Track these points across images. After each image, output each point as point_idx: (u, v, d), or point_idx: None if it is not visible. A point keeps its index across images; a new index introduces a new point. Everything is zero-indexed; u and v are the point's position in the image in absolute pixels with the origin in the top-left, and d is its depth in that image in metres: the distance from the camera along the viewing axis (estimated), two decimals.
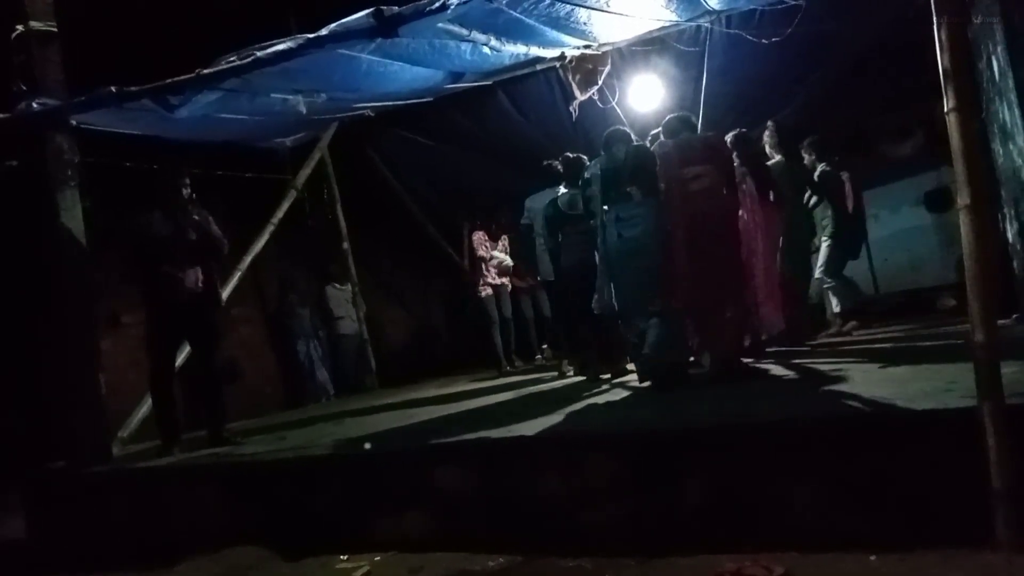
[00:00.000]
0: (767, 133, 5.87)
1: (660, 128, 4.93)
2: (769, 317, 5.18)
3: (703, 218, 4.33)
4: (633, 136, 4.98)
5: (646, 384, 4.59)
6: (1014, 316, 5.00)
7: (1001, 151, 4.98)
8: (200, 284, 4.92)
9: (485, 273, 7.62)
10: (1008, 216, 5.09)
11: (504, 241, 7.83)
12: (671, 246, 4.35)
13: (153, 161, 5.53)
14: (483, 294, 7.57)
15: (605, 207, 4.66)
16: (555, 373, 6.31)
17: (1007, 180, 4.97)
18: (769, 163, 5.62)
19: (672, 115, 4.90)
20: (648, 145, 4.91)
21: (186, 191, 4.97)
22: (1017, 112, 4.46)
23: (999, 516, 2.47)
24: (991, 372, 2.53)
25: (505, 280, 7.79)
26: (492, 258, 7.67)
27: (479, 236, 7.66)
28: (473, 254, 7.68)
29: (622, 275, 4.56)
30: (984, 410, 2.50)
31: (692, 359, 4.67)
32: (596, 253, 4.88)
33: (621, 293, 4.60)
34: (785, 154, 5.76)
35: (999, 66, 4.68)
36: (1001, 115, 4.80)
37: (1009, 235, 5.13)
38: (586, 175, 4.71)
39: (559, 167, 5.96)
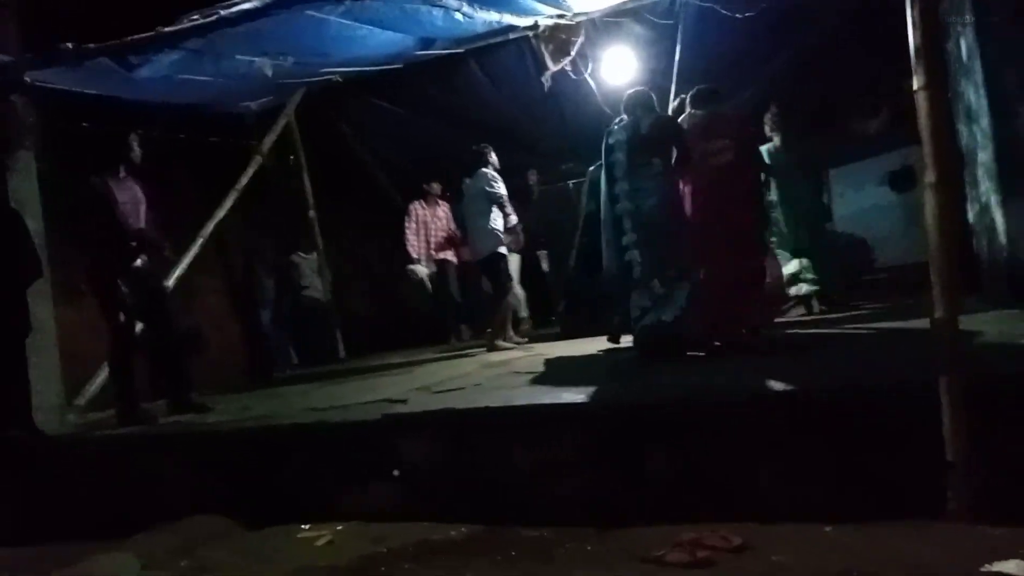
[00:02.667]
0: (768, 115, 5.92)
1: (687, 96, 4.86)
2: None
3: (725, 192, 4.35)
4: (655, 102, 4.84)
5: (634, 353, 4.61)
6: (974, 294, 5.10)
7: (966, 132, 5.05)
8: (147, 254, 4.83)
9: (421, 246, 7.45)
10: (970, 197, 5.18)
11: (444, 208, 7.65)
12: (690, 218, 4.38)
13: (115, 123, 5.36)
14: (416, 270, 7.40)
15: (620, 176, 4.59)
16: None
17: (970, 161, 5.05)
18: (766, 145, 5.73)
19: (702, 86, 4.84)
20: (672, 114, 4.87)
21: (136, 153, 4.81)
22: (983, 93, 4.51)
23: (951, 488, 2.53)
24: (951, 348, 2.57)
25: (448, 254, 7.62)
26: (428, 229, 7.48)
27: (414, 205, 7.51)
28: (406, 225, 7.51)
29: (635, 245, 4.48)
30: (942, 385, 2.55)
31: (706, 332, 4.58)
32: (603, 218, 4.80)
33: (636, 262, 4.51)
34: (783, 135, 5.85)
35: (967, 47, 4.72)
36: (967, 96, 4.86)
37: (970, 215, 5.22)
38: (610, 140, 4.58)
39: (488, 151, 6.25)
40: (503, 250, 6.37)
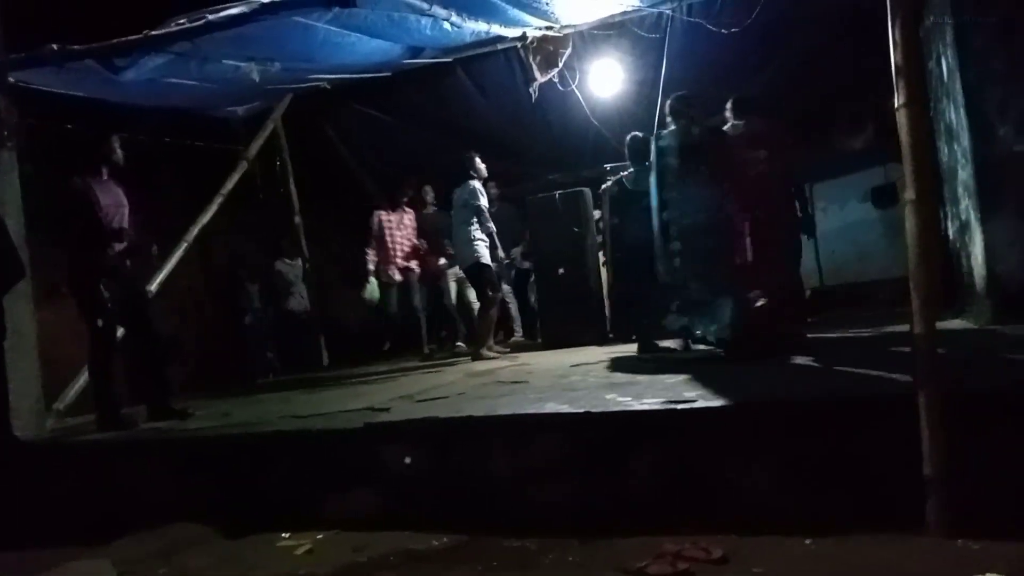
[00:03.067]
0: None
1: (728, 106, 4.89)
2: None
3: (765, 202, 4.39)
4: (699, 104, 4.86)
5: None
6: (953, 310, 5.17)
7: (946, 150, 5.12)
8: (128, 258, 4.79)
9: (386, 256, 7.30)
10: (950, 214, 5.25)
11: (411, 216, 7.53)
12: (737, 227, 4.40)
13: (100, 126, 5.33)
14: (383, 280, 7.27)
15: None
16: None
17: (950, 179, 5.12)
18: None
19: (739, 96, 4.87)
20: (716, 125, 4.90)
21: (118, 155, 4.78)
22: (963, 113, 4.58)
23: (930, 502, 2.55)
24: (929, 362, 2.60)
25: (412, 264, 7.49)
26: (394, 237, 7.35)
27: (378, 213, 7.34)
28: (368, 235, 7.36)
29: (683, 253, 4.50)
30: (921, 398, 2.58)
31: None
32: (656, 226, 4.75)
33: (682, 270, 4.54)
34: None
35: (948, 66, 4.79)
36: (948, 115, 4.93)
37: (950, 232, 5.29)
38: (660, 144, 4.56)
39: (473, 158, 6.33)
40: (485, 260, 6.38)
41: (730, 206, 4.46)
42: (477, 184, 6.38)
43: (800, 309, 4.81)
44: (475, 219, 6.34)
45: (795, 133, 5.13)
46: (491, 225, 6.40)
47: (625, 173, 5.69)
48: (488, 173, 6.57)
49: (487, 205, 6.40)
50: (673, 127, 4.64)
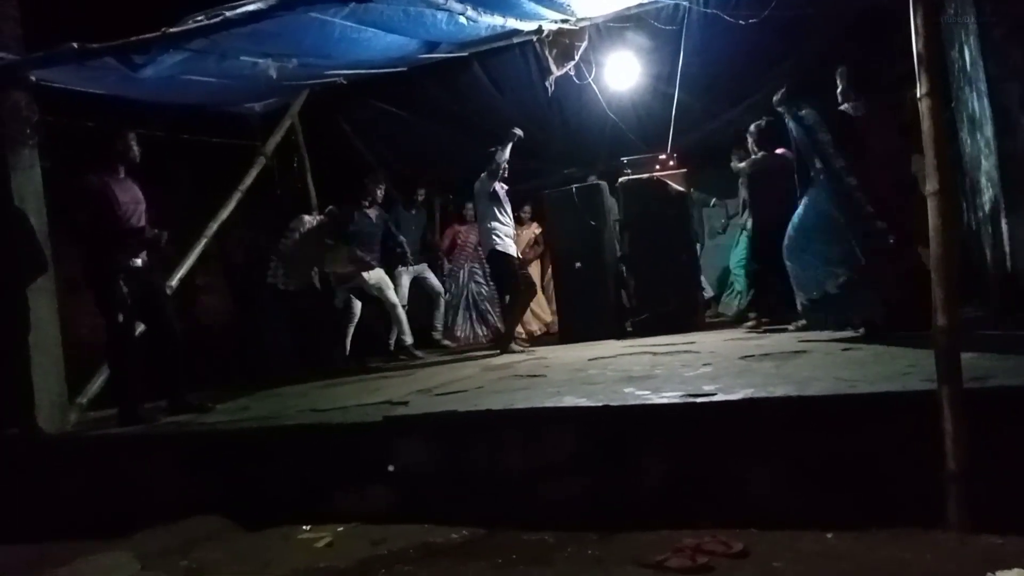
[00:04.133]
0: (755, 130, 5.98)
1: (842, 85, 4.88)
2: None
3: (892, 181, 4.43)
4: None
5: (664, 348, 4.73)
6: (974, 303, 5.10)
7: (968, 140, 5.04)
8: (146, 254, 4.85)
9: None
10: (973, 205, 5.18)
11: (375, 212, 7.26)
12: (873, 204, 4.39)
13: (117, 123, 5.37)
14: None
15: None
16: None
17: (972, 170, 5.05)
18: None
19: (848, 71, 4.84)
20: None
21: (134, 152, 4.82)
22: (986, 102, 4.51)
23: (952, 497, 2.53)
24: (951, 356, 2.57)
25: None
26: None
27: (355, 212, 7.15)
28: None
29: (828, 231, 4.50)
30: (942, 394, 2.55)
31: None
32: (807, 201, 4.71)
33: (821, 249, 4.54)
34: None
35: (971, 55, 4.72)
36: (970, 104, 4.86)
37: (973, 224, 5.22)
38: (807, 122, 4.58)
39: (496, 151, 6.42)
40: (501, 248, 6.43)
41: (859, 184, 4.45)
42: (485, 175, 6.49)
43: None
44: (492, 209, 6.40)
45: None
46: (502, 225, 6.49)
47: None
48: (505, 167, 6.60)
49: (501, 192, 6.46)
50: (805, 109, 4.63)
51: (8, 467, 4.69)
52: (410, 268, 7.69)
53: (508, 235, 6.52)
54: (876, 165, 4.52)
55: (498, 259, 6.51)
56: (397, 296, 7.23)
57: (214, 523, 3.76)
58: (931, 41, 2.70)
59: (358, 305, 7.18)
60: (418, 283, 7.81)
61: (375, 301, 7.05)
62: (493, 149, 6.51)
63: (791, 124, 4.71)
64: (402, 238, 7.29)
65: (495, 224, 6.47)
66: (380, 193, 7.33)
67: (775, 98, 4.85)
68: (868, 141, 4.56)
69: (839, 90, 4.89)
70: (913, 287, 4.14)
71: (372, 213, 7.16)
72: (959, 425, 2.53)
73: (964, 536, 2.48)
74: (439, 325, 8.09)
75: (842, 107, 4.80)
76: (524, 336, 7.57)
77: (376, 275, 6.98)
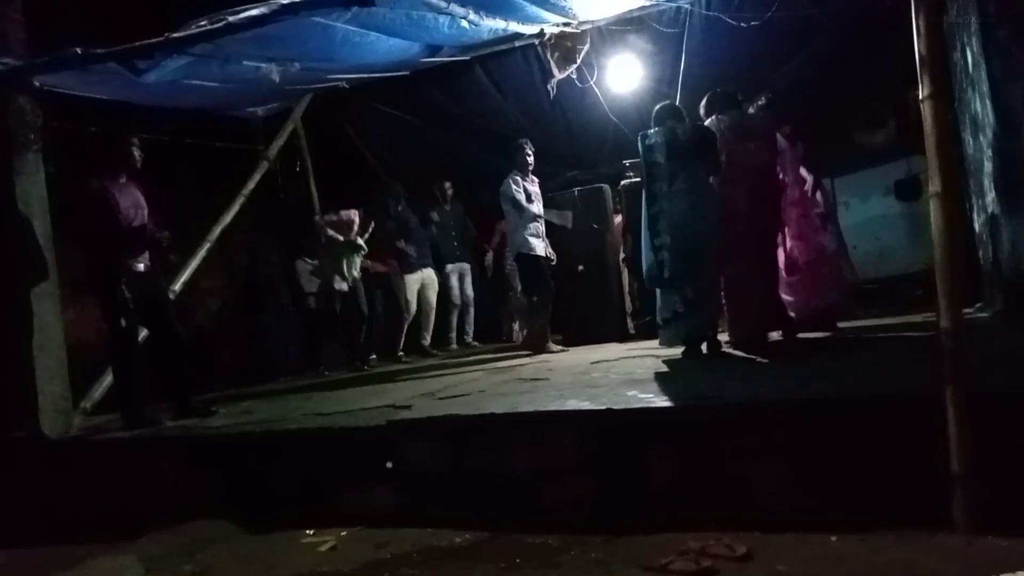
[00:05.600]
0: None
1: (703, 103, 4.94)
2: (800, 297, 5.03)
3: (753, 194, 4.45)
4: (684, 112, 4.97)
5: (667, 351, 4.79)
6: (977, 305, 5.09)
7: (971, 142, 5.04)
8: (149, 258, 4.86)
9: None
10: (975, 207, 5.17)
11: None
12: (723, 219, 4.47)
13: (121, 127, 5.39)
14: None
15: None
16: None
17: (975, 171, 5.04)
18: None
19: (716, 91, 4.90)
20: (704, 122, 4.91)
21: (137, 158, 4.84)
22: (989, 104, 4.51)
23: (957, 499, 2.53)
24: (955, 358, 2.57)
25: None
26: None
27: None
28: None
29: (674, 245, 4.57)
30: (948, 395, 2.55)
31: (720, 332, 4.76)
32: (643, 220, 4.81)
33: (672, 262, 4.59)
34: None
35: (973, 57, 4.72)
36: (973, 106, 4.86)
37: (976, 225, 5.21)
38: (647, 142, 4.68)
39: (516, 152, 6.40)
40: (527, 250, 6.39)
41: (720, 198, 4.53)
42: (510, 178, 6.42)
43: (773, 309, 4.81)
44: (513, 211, 6.37)
45: (802, 126, 5.14)
46: (532, 210, 6.42)
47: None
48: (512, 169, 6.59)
49: (520, 196, 6.40)
50: (659, 129, 4.74)
51: (13, 470, 4.71)
52: (456, 266, 7.85)
53: (533, 235, 6.41)
54: (736, 180, 4.55)
55: (523, 262, 6.50)
56: (453, 295, 7.73)
57: (219, 526, 3.77)
58: (933, 42, 2.69)
59: (366, 306, 7.25)
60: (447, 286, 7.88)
61: (391, 302, 7.09)
62: (521, 141, 6.49)
63: (639, 144, 4.77)
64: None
65: (515, 226, 6.41)
66: (449, 193, 7.80)
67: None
68: (729, 155, 4.59)
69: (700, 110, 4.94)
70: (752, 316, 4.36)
71: (436, 213, 7.58)
72: (964, 427, 2.52)
73: (970, 538, 2.47)
74: (469, 329, 8.16)
75: (706, 123, 4.80)
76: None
77: (423, 275, 7.36)
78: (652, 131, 4.74)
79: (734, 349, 4.63)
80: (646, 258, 4.74)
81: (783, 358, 4.12)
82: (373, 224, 7.33)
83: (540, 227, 6.45)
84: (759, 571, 2.50)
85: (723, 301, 4.72)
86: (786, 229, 4.89)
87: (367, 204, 7.45)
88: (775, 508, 2.86)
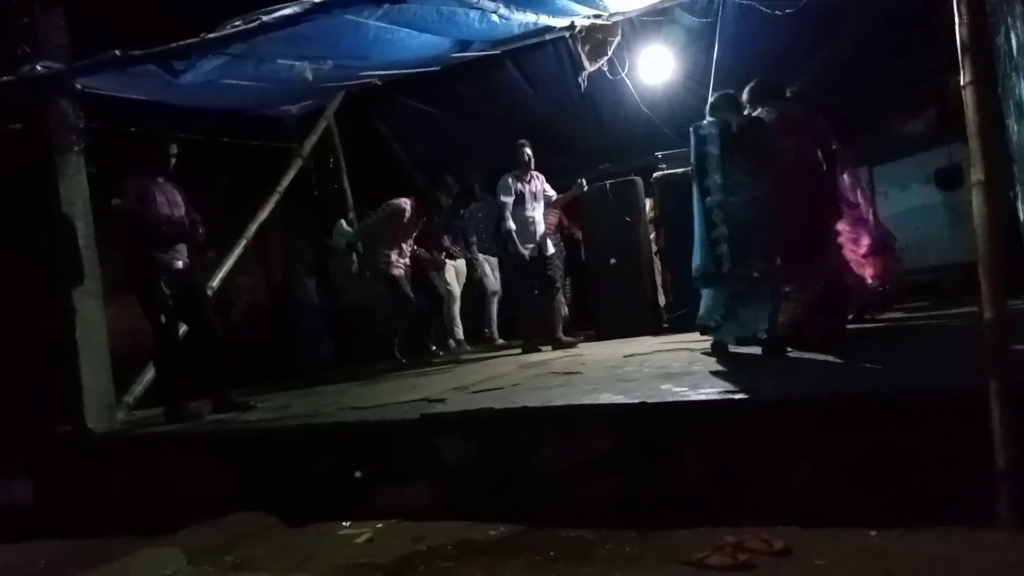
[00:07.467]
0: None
1: (746, 93, 4.78)
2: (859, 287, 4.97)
3: (799, 188, 4.32)
4: (742, 102, 4.80)
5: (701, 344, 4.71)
6: (1023, 296, 4.96)
7: (1016, 128, 4.91)
8: (188, 255, 4.97)
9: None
10: (1020, 195, 5.05)
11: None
12: (769, 214, 4.35)
13: (158, 127, 5.49)
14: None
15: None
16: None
17: (1020, 158, 4.91)
18: None
19: (759, 80, 4.80)
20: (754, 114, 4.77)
21: (173, 159, 4.93)
22: None
23: (1002, 495, 2.47)
24: (999, 351, 2.51)
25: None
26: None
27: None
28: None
29: (724, 239, 4.45)
30: (991, 389, 2.49)
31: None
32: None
33: (725, 257, 4.47)
34: None
35: (1018, 41, 4.59)
36: (1018, 91, 4.73)
37: (1020, 214, 5.08)
38: (701, 133, 4.55)
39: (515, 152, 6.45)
40: (511, 251, 6.45)
41: (766, 194, 4.39)
42: (504, 179, 6.49)
43: (846, 302, 4.67)
44: (504, 212, 6.43)
45: (839, 118, 4.99)
46: (509, 224, 6.41)
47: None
48: (537, 165, 6.58)
49: (509, 198, 6.42)
50: (712, 120, 4.63)
51: (59, 464, 4.84)
52: (489, 258, 7.89)
53: (516, 235, 6.44)
54: (783, 173, 4.37)
55: (511, 262, 6.62)
56: (489, 283, 7.84)
57: (257, 519, 3.83)
58: (976, 26, 2.63)
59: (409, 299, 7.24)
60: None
61: (428, 295, 7.15)
62: (520, 142, 6.51)
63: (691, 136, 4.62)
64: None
65: (505, 226, 6.44)
66: (478, 186, 7.91)
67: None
68: (775, 149, 4.42)
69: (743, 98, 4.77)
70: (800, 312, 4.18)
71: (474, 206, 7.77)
72: (1008, 421, 2.46)
73: (1015, 535, 2.42)
74: (492, 323, 8.14)
75: (756, 114, 4.64)
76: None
77: (461, 265, 7.62)
78: (705, 122, 4.63)
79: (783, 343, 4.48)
80: (700, 253, 4.61)
81: (824, 352, 4.04)
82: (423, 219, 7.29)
83: (531, 228, 6.47)
84: (796, 566, 2.47)
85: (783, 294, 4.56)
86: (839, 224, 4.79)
87: (418, 196, 7.43)
88: (812, 503, 2.83)
